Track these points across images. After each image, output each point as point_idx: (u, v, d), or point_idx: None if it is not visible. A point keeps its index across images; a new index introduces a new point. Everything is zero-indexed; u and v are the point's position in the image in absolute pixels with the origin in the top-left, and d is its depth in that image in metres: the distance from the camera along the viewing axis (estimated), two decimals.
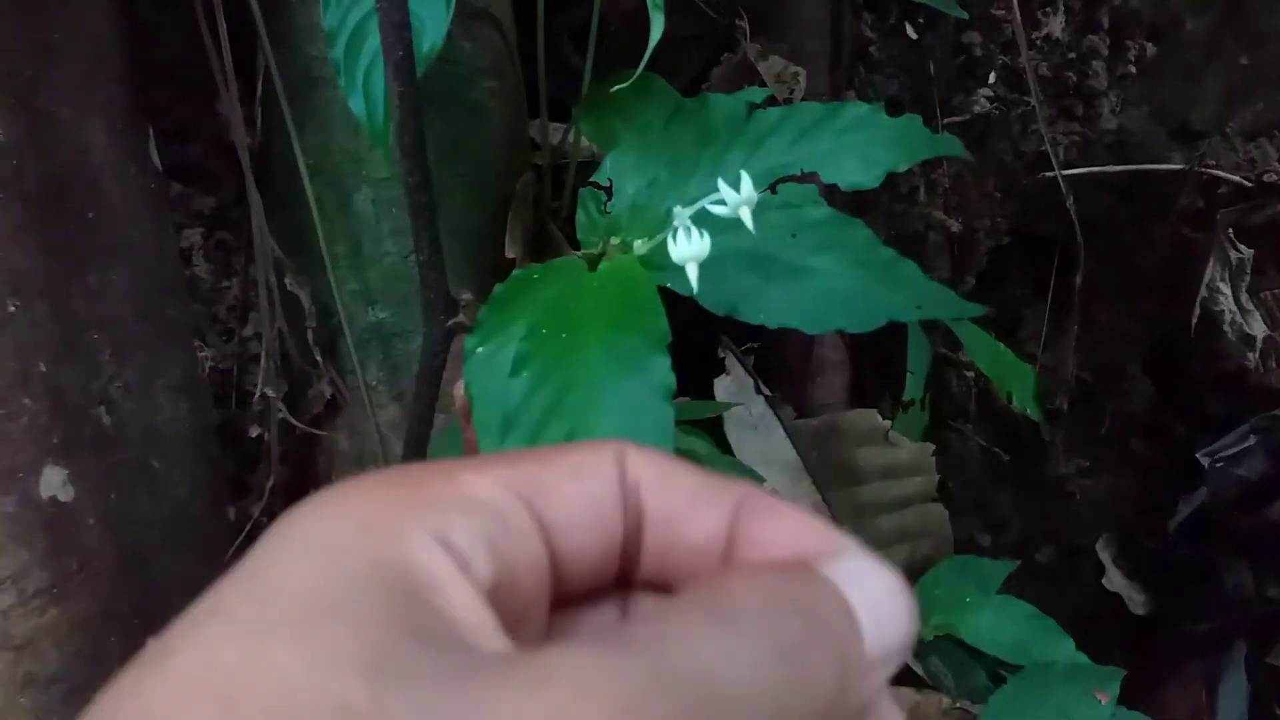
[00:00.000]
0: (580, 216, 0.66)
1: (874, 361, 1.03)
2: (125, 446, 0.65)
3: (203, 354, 0.72)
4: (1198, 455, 1.03)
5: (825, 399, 0.95)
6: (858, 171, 0.53)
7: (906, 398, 0.95)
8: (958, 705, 0.94)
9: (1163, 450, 1.11)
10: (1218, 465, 1.01)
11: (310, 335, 0.71)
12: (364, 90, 0.60)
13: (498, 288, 0.57)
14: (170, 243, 0.72)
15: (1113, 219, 1.03)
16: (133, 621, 0.64)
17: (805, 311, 0.47)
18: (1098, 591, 1.14)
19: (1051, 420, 1.07)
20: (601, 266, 0.53)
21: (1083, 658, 0.90)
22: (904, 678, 0.93)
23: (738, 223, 0.48)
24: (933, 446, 0.95)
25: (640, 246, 0.52)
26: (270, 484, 0.71)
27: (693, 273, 0.45)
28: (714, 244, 0.46)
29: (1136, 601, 1.07)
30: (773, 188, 0.54)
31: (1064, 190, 0.97)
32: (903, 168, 0.53)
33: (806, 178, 0.55)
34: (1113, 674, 0.86)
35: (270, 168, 0.76)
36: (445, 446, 0.74)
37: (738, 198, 0.45)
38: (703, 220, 0.46)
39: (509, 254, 0.75)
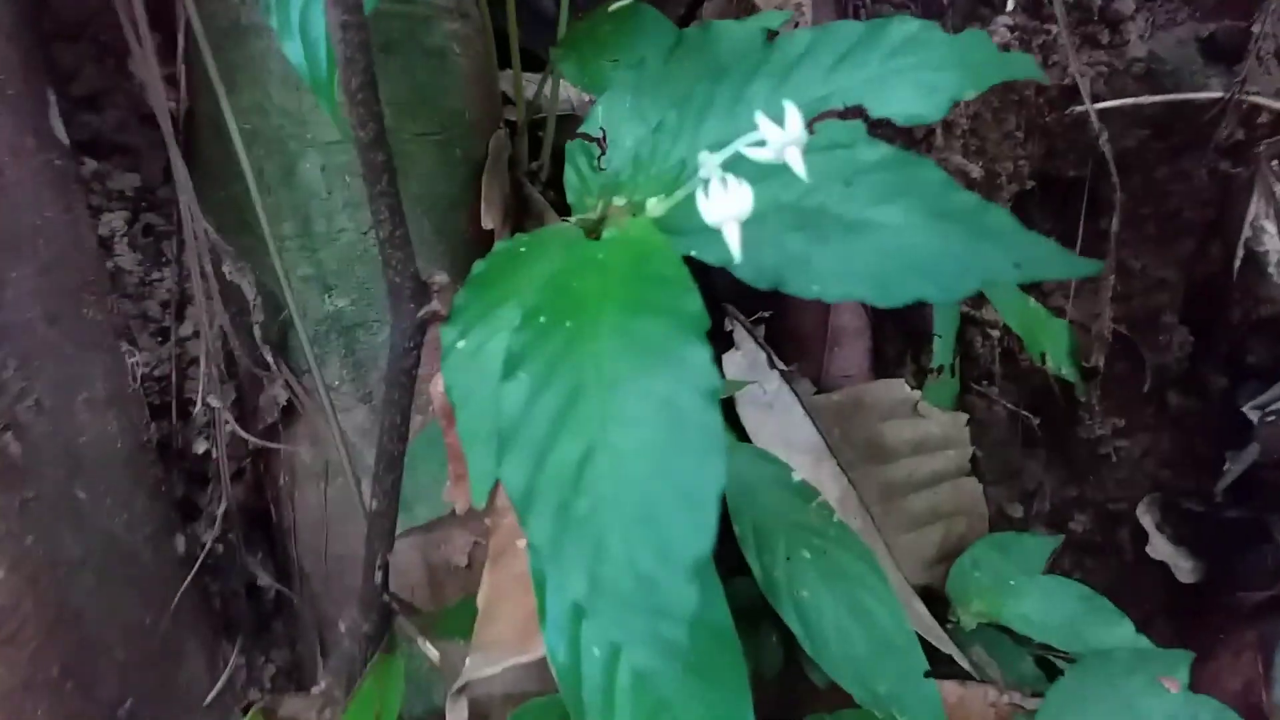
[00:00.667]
0: (569, 175, 0.56)
1: (893, 324, 0.93)
2: (41, 477, 0.54)
3: (133, 359, 0.61)
4: (1244, 409, 0.95)
5: (845, 370, 0.85)
6: (915, 100, 0.43)
7: (935, 364, 0.86)
8: (1005, 698, 0.85)
9: (1202, 404, 1.02)
10: (1269, 419, 0.93)
11: (257, 331, 0.61)
12: (301, 32, 0.50)
13: (477, 265, 0.47)
14: (85, 230, 0.61)
15: (1145, 156, 0.94)
16: (64, 686, 0.53)
17: (873, 277, 0.37)
18: (1137, 559, 1.06)
19: (1086, 379, 0.98)
20: (608, 234, 0.43)
21: (1144, 640, 0.82)
22: (945, 670, 0.85)
23: (775, 171, 0.38)
24: (966, 416, 0.86)
25: (655, 206, 0.42)
26: (222, 508, 0.60)
27: (733, 235, 0.35)
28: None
29: (1184, 569, 0.99)
30: (809, 126, 0.44)
31: (1096, 126, 0.88)
32: (969, 95, 0.43)
33: (849, 113, 0.45)
34: (1180, 658, 0.78)
35: (199, 136, 0.65)
36: (424, 453, 0.64)
37: (784, 135, 0.35)
38: (731, 170, 0.36)
39: (485, 224, 0.65)
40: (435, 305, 0.45)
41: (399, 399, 0.47)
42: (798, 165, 0.35)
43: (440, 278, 0.46)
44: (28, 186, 0.56)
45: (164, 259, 0.65)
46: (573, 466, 0.35)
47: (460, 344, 0.45)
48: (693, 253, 0.40)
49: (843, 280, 0.37)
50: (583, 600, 0.34)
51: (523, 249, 0.48)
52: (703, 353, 0.35)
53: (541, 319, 0.39)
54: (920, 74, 0.43)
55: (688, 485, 0.33)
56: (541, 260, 0.46)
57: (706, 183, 0.35)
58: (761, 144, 0.36)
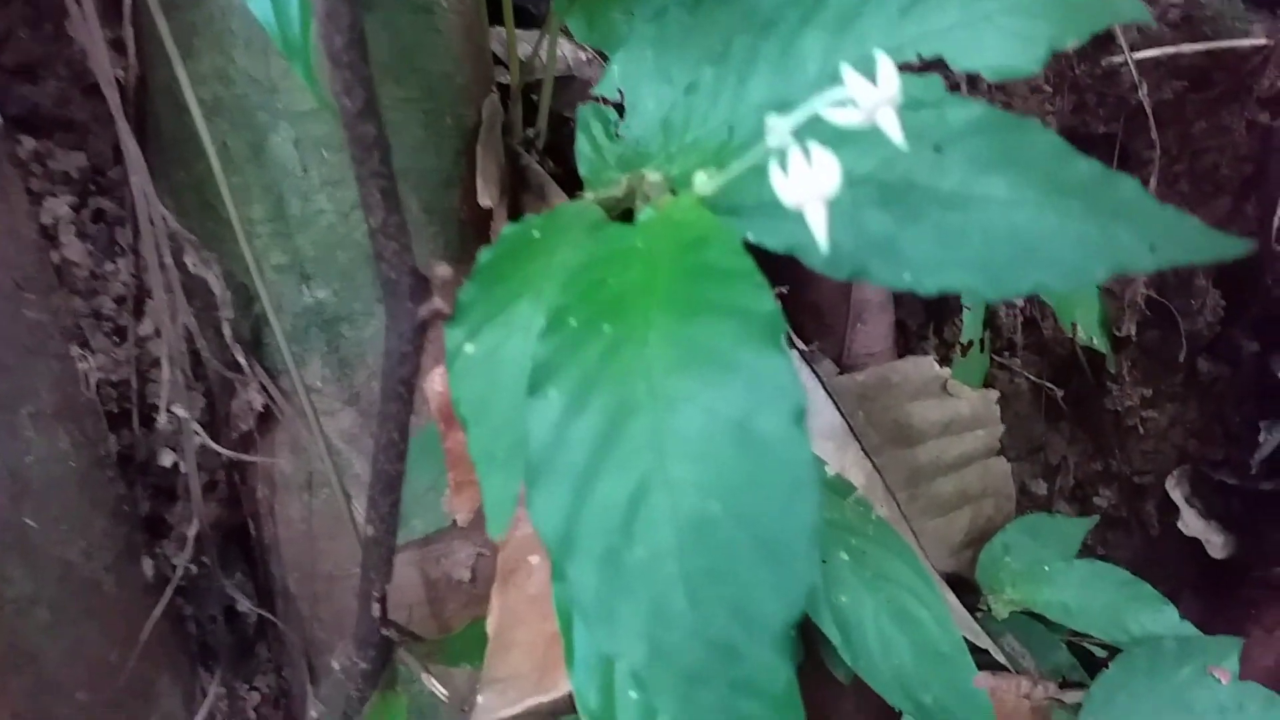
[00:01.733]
0: (581, 144, 0.49)
1: (914, 296, 0.87)
2: None
3: (85, 364, 0.54)
4: (1279, 374, 0.90)
5: (869, 347, 0.79)
6: (1007, 50, 0.36)
7: (965, 338, 0.80)
8: (1040, 689, 0.80)
9: (1233, 371, 0.97)
10: None
11: (227, 328, 0.54)
12: None
13: (483, 254, 0.40)
14: (23, 218, 0.54)
15: (1181, 109, 0.88)
16: None
17: (978, 264, 0.30)
18: (1163, 534, 1.02)
19: (1116, 349, 0.93)
20: (643, 216, 0.36)
21: (1189, 627, 0.78)
22: (977, 661, 0.80)
23: (846, 137, 0.31)
24: (996, 394, 0.80)
25: (704, 182, 0.35)
26: (194, 527, 0.54)
27: (818, 218, 0.28)
28: None
29: (1215, 544, 0.95)
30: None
31: (1135, 77, 0.81)
32: (1070, 44, 0.37)
33: (926, 67, 0.38)
34: (1230, 645, 0.74)
35: (153, 109, 0.57)
36: (420, 459, 0.57)
37: (876, 93, 0.28)
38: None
39: (482, 201, 0.57)
40: (438, 303, 0.38)
41: (396, 412, 0.40)
42: (893, 129, 0.28)
43: (442, 270, 0.39)
44: None
45: (118, 249, 0.58)
46: (622, 505, 0.29)
47: (469, 348, 0.38)
48: (750, 237, 0.33)
49: (941, 268, 0.31)
50: (640, 671, 0.28)
51: (536, 233, 0.41)
52: (782, 364, 0.28)
53: (572, 322, 0.33)
54: (1012, 19, 0.36)
55: (771, 530, 0.27)
56: (561, 247, 0.39)
57: (782, 154, 0.28)
58: (845, 103, 0.29)
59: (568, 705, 0.46)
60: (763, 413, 0.28)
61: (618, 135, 0.48)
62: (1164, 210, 0.31)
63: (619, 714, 0.40)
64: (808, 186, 0.28)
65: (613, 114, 0.49)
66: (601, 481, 0.29)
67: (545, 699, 0.45)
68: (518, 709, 0.45)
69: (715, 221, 0.33)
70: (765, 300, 0.29)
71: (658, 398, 0.30)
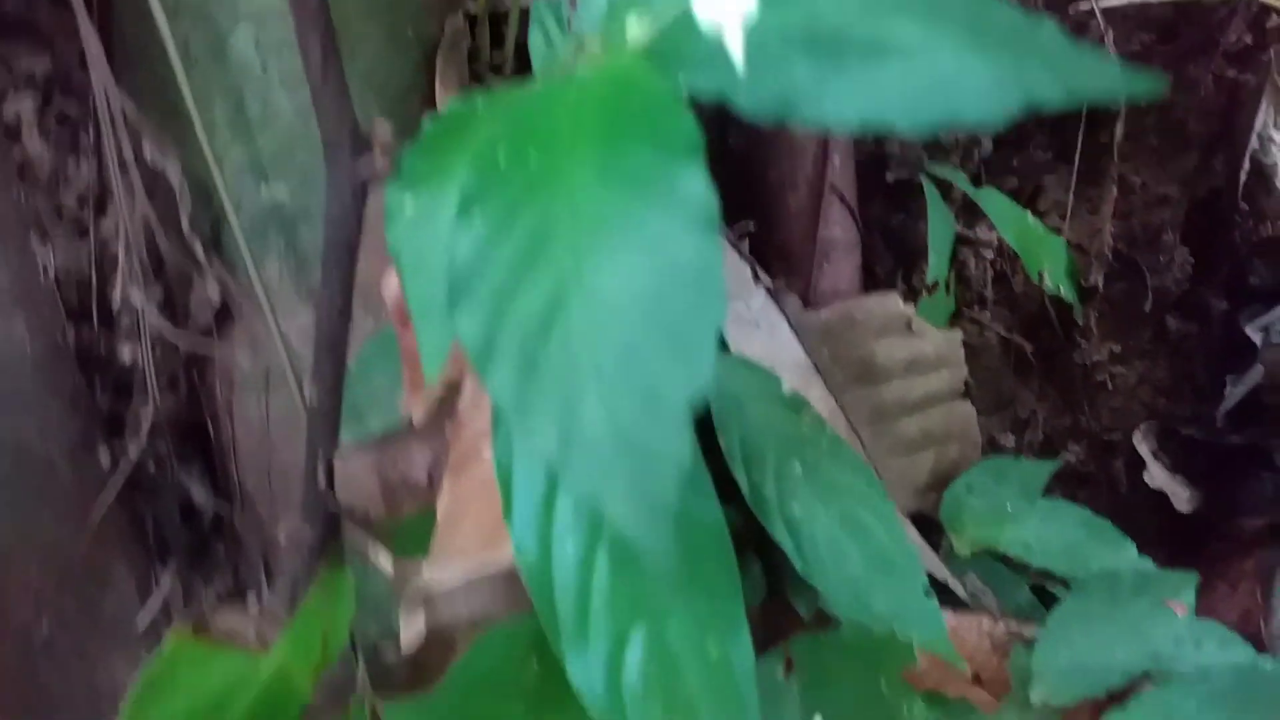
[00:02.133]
0: (534, 39, 0.50)
1: (884, 241, 0.88)
2: None
3: (44, 256, 0.54)
4: (1247, 329, 0.91)
5: (835, 286, 0.80)
6: None
7: (930, 279, 0.81)
8: (1001, 626, 0.81)
9: (1201, 328, 0.98)
10: (1274, 342, 0.88)
11: (186, 224, 0.54)
12: None
13: (427, 124, 0.41)
14: None
15: (1148, 62, 0.88)
16: None
17: (898, 101, 0.31)
18: (1131, 490, 1.02)
19: (1083, 300, 0.94)
20: (583, 69, 0.37)
21: (1148, 563, 0.78)
22: (940, 599, 0.81)
23: None
24: (961, 334, 0.81)
25: (635, 25, 0.36)
26: (148, 414, 0.54)
27: (734, 39, 0.29)
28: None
29: (1181, 498, 0.95)
30: None
31: (1101, 26, 0.82)
32: None
33: None
34: (1186, 580, 0.74)
35: (117, 12, 0.58)
36: (378, 357, 0.58)
37: None
38: None
39: (441, 108, 0.58)
40: (379, 162, 0.39)
41: (338, 274, 0.41)
42: None
43: (383, 130, 0.39)
44: None
45: (80, 150, 0.58)
46: (540, 312, 0.29)
47: (409, 206, 0.39)
48: (682, 82, 0.34)
49: (863, 104, 0.31)
50: (554, 459, 0.28)
51: (479, 109, 0.42)
52: (696, 177, 0.29)
53: (500, 156, 0.33)
54: None
55: (679, 326, 0.28)
56: (503, 113, 0.40)
57: None
58: None
59: (512, 583, 0.47)
60: (676, 224, 0.28)
61: (570, 29, 0.49)
62: (1081, 51, 0.31)
63: (554, 565, 0.41)
64: (725, 6, 0.29)
65: (566, 9, 0.50)
66: (522, 293, 0.30)
67: (490, 570, 0.46)
68: (462, 581, 0.46)
69: (644, 61, 0.34)
70: (684, 120, 0.30)
71: (579, 217, 0.30)
